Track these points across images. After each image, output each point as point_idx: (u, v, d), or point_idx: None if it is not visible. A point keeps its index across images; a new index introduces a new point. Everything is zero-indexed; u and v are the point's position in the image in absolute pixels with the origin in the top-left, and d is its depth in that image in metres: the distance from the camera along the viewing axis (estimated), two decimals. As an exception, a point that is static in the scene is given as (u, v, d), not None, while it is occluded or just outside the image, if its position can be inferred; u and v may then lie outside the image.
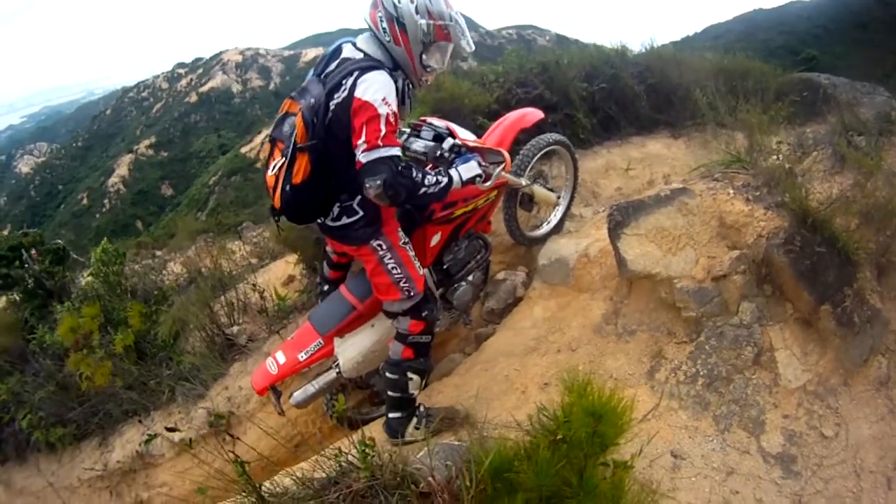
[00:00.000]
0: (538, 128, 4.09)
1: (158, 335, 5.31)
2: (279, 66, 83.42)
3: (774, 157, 3.75)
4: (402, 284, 2.85)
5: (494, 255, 4.34)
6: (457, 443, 2.35)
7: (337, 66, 2.65)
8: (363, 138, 2.44)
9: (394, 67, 2.70)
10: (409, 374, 2.94)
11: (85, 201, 65.17)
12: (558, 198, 4.17)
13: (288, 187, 2.57)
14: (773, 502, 2.64)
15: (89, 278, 6.67)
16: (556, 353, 3.46)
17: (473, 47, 2.86)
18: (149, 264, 7.43)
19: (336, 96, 2.53)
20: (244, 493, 2.11)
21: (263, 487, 2.16)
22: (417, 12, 2.61)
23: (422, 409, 3.07)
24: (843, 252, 3.12)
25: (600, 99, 5.47)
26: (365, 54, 2.67)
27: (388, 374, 2.98)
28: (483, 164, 3.05)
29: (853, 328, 3.10)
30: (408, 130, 3.29)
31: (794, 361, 3.08)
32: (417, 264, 2.92)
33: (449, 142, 3.07)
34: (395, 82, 2.60)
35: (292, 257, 5.32)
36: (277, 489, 2.17)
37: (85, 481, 5.39)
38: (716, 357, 3.09)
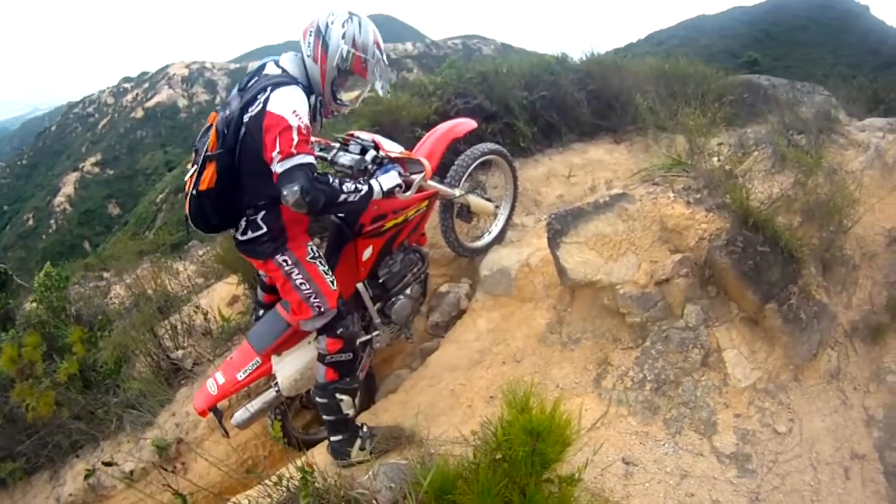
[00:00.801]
0: (477, 137, 4.06)
1: (102, 362, 5.14)
2: (225, 80, 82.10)
3: (715, 158, 3.81)
4: (312, 300, 2.80)
5: (437, 268, 4.31)
6: (403, 462, 2.32)
7: (256, 82, 2.70)
8: (277, 149, 2.46)
9: (309, 86, 2.76)
10: (338, 396, 2.89)
11: (31, 222, 63.09)
12: (497, 207, 4.16)
13: (195, 192, 2.65)
14: (729, 501, 2.65)
15: (33, 304, 6.45)
16: (501, 365, 3.44)
17: (388, 93, 3.11)
18: (95, 286, 7.20)
19: (250, 110, 2.58)
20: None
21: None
22: (343, 37, 2.72)
23: (365, 429, 3.02)
24: (787, 250, 3.17)
25: (541, 107, 5.46)
26: (284, 71, 2.74)
27: (317, 399, 2.94)
28: (403, 173, 3.06)
29: (800, 324, 3.16)
30: (336, 145, 3.28)
31: (742, 360, 3.11)
32: (329, 279, 2.87)
33: (371, 154, 3.08)
34: (308, 98, 2.64)
35: (234, 277, 5.20)
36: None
37: (38, 516, 5.19)
38: (663, 361, 3.10)
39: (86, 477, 4.32)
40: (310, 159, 2.49)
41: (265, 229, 2.74)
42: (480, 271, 4.00)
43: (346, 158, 3.14)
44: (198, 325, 5.11)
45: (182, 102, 78.84)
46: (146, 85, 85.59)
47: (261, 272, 3.40)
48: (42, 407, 5.04)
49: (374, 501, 1.97)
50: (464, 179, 3.72)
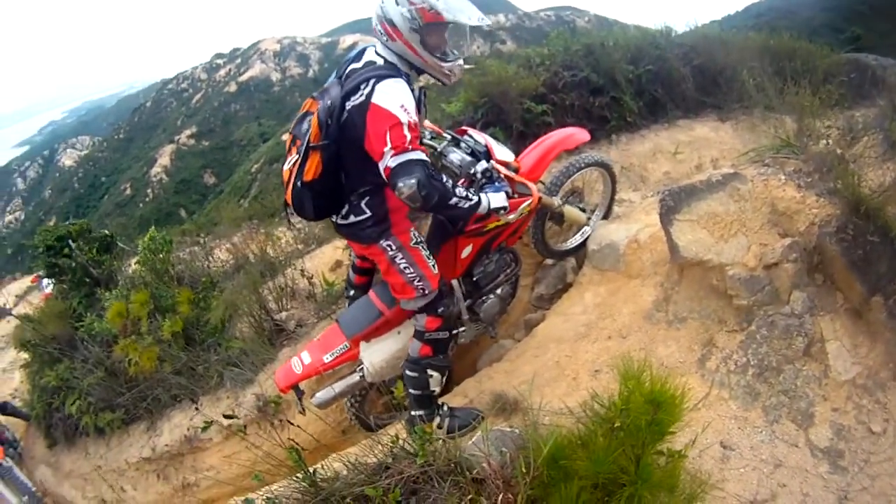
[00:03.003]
0: (585, 111, 3.96)
1: (209, 321, 5.43)
2: (317, 54, 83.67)
3: (824, 141, 3.67)
4: (416, 283, 2.89)
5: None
6: (509, 429, 2.37)
7: (357, 71, 2.68)
8: (389, 144, 2.48)
9: (409, 74, 2.72)
10: (429, 372, 2.98)
11: (128, 191, 66.26)
12: (589, 218, 4.09)
13: (299, 183, 2.67)
14: (819, 497, 2.61)
15: (136, 266, 6.86)
16: (606, 340, 3.46)
17: (481, 20, 2.68)
18: (195, 251, 7.56)
19: (353, 99, 2.58)
20: (298, 479, 2.15)
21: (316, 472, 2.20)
22: (397, 3, 2.61)
23: (445, 408, 3.11)
24: (896, 242, 3.03)
25: (646, 81, 5.38)
26: (386, 61, 2.69)
27: (408, 372, 3.01)
28: (511, 195, 3.07)
29: (904, 322, 3.02)
30: (448, 137, 3.30)
31: (843, 353, 3.02)
32: (431, 263, 2.94)
33: (482, 165, 3.09)
34: (413, 91, 2.63)
35: (340, 242, 5.34)
36: (328, 474, 2.21)
37: (133, 464, 5.58)
38: (766, 347, 3.05)
39: (204, 429, 4.54)
40: (424, 157, 2.53)
41: (369, 213, 2.79)
42: (588, 245, 4.02)
43: (456, 156, 3.16)
44: (302, 289, 5.29)
45: (275, 76, 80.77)
46: (238, 60, 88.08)
47: (353, 254, 3.50)
48: (145, 361, 5.38)
49: (486, 463, 2.03)
50: (563, 187, 3.70)
